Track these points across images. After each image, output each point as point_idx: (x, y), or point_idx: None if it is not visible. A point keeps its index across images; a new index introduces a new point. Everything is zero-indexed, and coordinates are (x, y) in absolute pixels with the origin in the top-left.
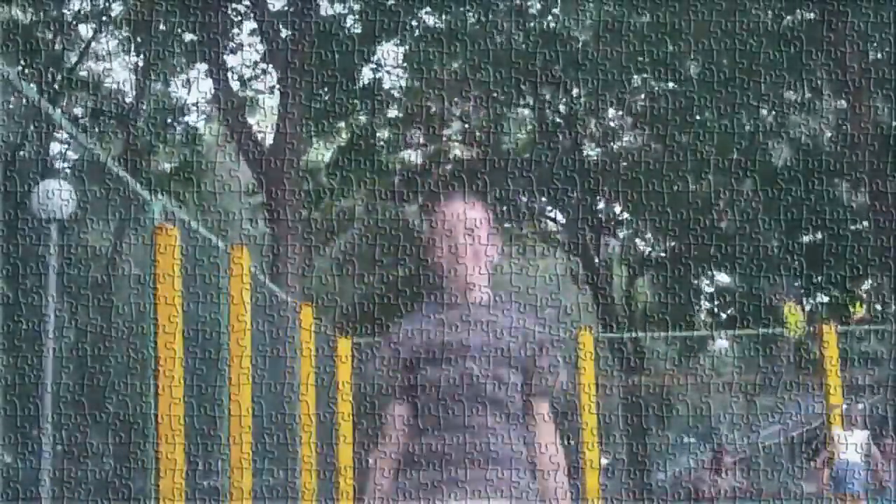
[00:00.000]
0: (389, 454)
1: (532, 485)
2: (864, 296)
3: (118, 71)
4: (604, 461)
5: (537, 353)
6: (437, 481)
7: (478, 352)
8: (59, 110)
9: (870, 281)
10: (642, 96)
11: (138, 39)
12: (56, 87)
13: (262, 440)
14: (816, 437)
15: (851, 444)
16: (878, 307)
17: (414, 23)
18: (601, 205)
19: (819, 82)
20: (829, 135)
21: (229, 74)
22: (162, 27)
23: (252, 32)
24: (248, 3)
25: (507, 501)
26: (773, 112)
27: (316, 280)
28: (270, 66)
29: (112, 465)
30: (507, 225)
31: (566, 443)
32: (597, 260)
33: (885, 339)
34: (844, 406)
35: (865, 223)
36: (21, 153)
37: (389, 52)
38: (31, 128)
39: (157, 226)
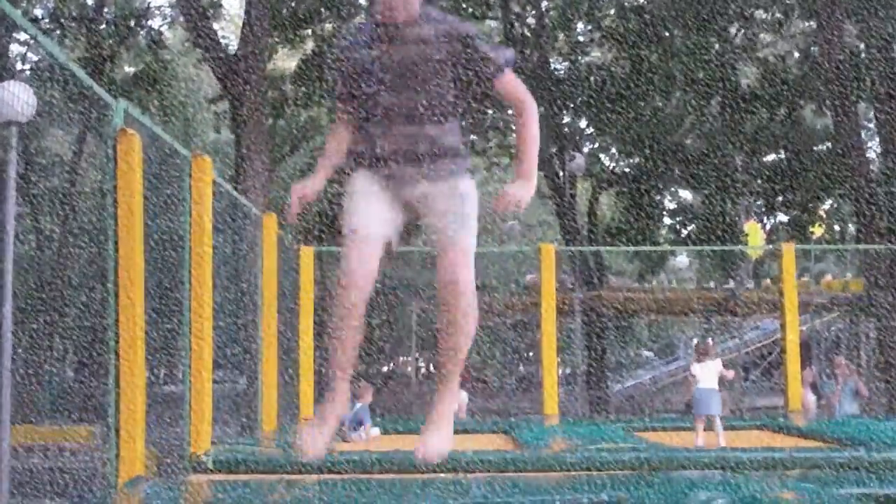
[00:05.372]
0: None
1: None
2: (823, 216)
3: None
4: (562, 373)
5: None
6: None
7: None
8: (19, 11)
9: (829, 202)
10: (612, 12)
11: None
12: None
13: (223, 348)
14: (771, 353)
15: (707, 374)
16: (836, 228)
17: None
18: (567, 119)
19: (789, 2)
20: (797, 56)
21: None
22: None
23: None
24: None
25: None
26: (742, 31)
27: (280, 189)
28: None
29: (72, 372)
30: (472, 138)
31: (526, 357)
32: (561, 174)
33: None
34: (698, 341)
35: (829, 144)
36: None
37: None
38: None
39: (119, 130)
